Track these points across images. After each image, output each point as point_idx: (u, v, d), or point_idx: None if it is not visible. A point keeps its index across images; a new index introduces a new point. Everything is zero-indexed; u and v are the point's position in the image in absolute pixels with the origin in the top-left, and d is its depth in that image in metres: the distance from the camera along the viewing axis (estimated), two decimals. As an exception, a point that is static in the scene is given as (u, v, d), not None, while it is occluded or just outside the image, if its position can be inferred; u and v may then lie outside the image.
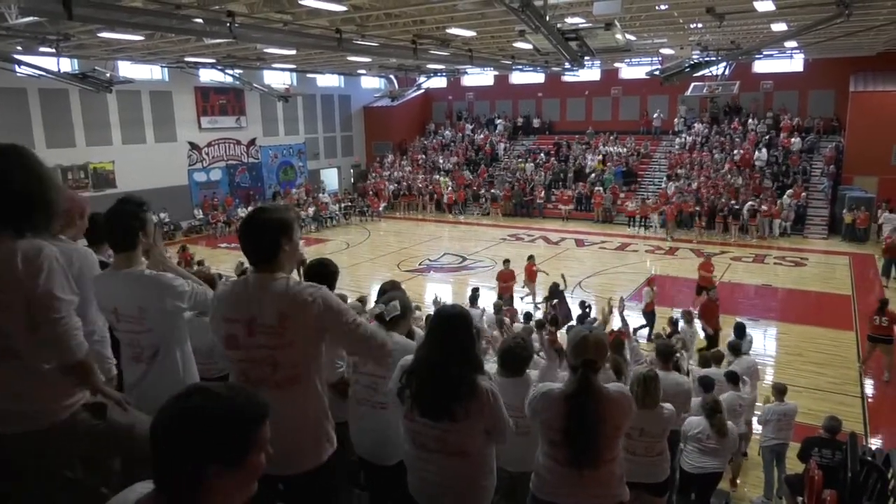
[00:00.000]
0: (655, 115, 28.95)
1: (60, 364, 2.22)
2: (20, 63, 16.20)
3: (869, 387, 10.46)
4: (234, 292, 2.45)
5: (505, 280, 14.02)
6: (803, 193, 22.94)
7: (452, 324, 2.61)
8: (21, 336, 2.18)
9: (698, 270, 14.42)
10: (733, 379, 7.33)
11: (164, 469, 1.31)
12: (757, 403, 8.30)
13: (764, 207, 21.90)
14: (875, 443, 8.24)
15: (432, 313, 2.86)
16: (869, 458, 5.96)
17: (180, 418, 1.30)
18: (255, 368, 2.40)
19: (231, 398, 1.35)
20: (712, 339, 10.87)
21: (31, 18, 10.68)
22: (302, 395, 2.41)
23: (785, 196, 22.57)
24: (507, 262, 14.42)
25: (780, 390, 7.41)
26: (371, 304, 11.81)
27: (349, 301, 8.34)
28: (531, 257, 15.01)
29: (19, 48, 15.51)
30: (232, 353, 2.44)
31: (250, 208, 26.47)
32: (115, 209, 2.79)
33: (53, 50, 15.06)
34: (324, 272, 3.29)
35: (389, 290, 3.38)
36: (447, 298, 12.64)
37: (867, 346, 10.80)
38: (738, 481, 7.48)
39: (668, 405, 4.28)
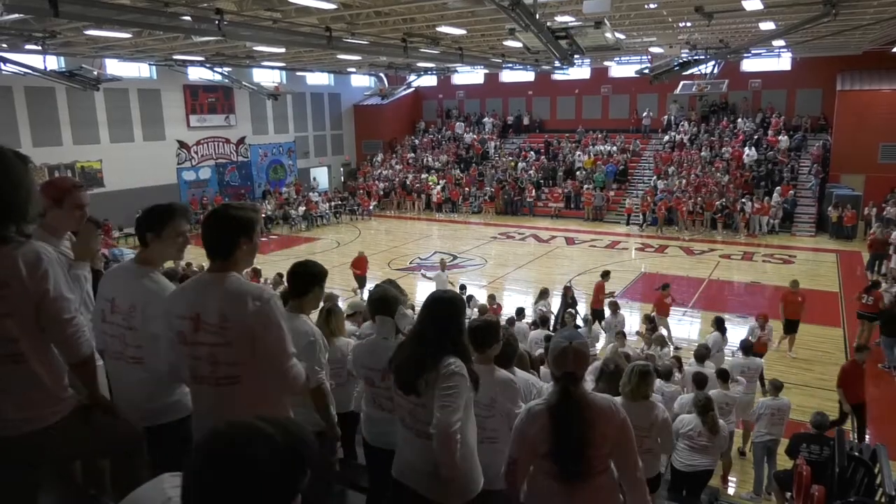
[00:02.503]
0: (644, 115, 29.07)
1: (69, 362, 2.26)
2: (5, 61, 16.05)
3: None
4: (185, 289, 2.49)
5: (598, 293, 12.42)
6: (791, 191, 23.12)
7: (436, 306, 2.73)
8: (28, 339, 2.19)
9: (782, 302, 11.63)
10: (723, 377, 7.37)
11: None
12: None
13: (756, 205, 22.07)
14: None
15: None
16: (856, 454, 6.02)
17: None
18: (200, 366, 2.43)
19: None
20: (847, 415, 8.32)
21: (16, 15, 10.55)
22: (242, 395, 2.42)
23: (774, 194, 22.73)
24: (606, 274, 12.86)
25: (776, 386, 7.47)
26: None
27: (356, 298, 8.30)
28: (666, 286, 12.10)
29: (4, 46, 15.32)
30: (181, 348, 2.46)
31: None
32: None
33: (39, 48, 14.93)
34: (311, 272, 3.27)
35: (383, 298, 3.31)
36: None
37: (858, 324, 11.63)
38: (730, 478, 7.53)
39: (660, 404, 4.30)
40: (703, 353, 8.20)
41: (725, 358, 9.35)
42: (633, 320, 12.32)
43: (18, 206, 2.15)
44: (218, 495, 1.14)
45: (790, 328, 11.50)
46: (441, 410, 2.50)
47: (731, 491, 7.41)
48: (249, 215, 2.46)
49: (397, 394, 2.74)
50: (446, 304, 2.74)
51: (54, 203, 2.79)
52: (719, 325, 9.72)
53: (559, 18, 12.47)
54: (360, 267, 15.35)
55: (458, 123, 33.26)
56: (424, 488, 2.68)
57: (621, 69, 27.71)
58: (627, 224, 24.26)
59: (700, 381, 6.71)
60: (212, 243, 2.44)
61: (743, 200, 22.23)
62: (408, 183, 29.20)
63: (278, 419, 1.25)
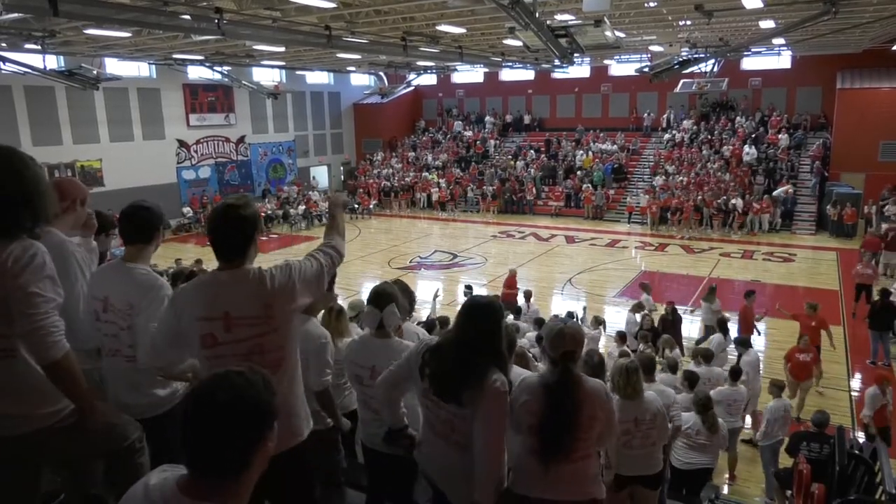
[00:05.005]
0: (646, 115, 29.01)
1: (38, 363, 2.17)
2: (5, 60, 16.04)
3: (856, 381, 10.57)
4: (204, 290, 2.41)
5: (747, 317, 10.78)
6: (791, 190, 23.08)
7: (476, 312, 2.65)
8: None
9: (812, 326, 10.01)
10: (735, 375, 7.29)
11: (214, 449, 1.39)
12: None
13: (755, 205, 22.04)
14: (862, 436, 8.32)
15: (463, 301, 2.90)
16: (856, 452, 6.01)
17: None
18: (239, 361, 2.37)
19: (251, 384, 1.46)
20: None
21: (15, 15, 10.54)
22: (287, 376, 2.45)
23: (775, 192, 22.71)
24: (750, 294, 11.16)
25: (779, 387, 7.44)
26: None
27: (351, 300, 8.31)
28: (750, 294, 10.53)
29: (4, 45, 15.31)
30: (208, 351, 2.38)
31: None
32: (134, 205, 2.86)
33: (39, 47, 14.90)
34: None
35: (381, 292, 3.26)
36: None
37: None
38: (735, 475, 7.53)
39: (650, 392, 4.32)
40: (707, 355, 8.17)
41: (728, 357, 9.32)
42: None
43: (29, 202, 2.16)
44: (193, 431, 1.38)
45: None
46: (489, 434, 2.48)
47: (736, 489, 7.40)
48: (256, 210, 2.48)
49: (432, 400, 2.65)
50: (488, 310, 2.64)
51: (82, 202, 2.87)
52: (721, 326, 9.66)
53: (559, 17, 12.46)
54: (513, 287, 12.97)
55: (455, 122, 33.25)
56: (457, 495, 2.67)
57: (621, 67, 27.67)
58: (629, 222, 24.22)
59: (692, 379, 6.72)
60: (228, 244, 2.40)
61: (734, 202, 22.17)
62: (407, 181, 29.17)
63: (257, 376, 1.47)
